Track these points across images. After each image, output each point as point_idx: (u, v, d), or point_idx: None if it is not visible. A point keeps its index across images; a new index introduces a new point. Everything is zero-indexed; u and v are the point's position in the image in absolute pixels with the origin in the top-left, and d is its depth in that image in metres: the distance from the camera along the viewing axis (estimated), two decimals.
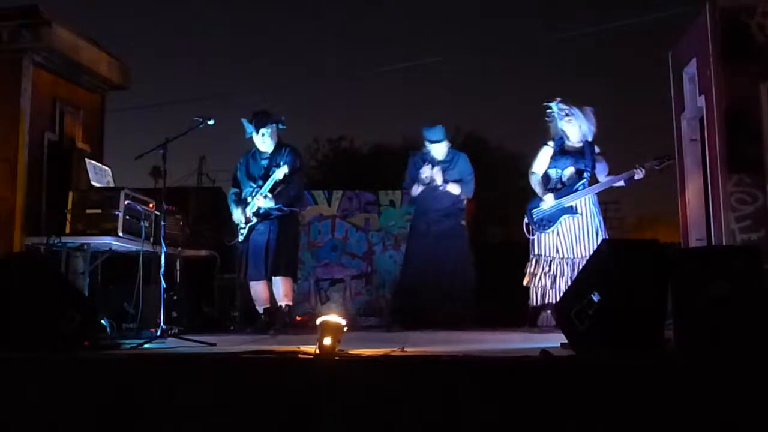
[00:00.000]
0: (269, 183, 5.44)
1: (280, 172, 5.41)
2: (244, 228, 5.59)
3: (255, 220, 5.54)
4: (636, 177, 5.29)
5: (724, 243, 4.96)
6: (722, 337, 3.04)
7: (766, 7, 5.10)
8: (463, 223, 6.10)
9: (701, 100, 5.53)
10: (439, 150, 6.04)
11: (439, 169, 5.96)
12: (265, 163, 5.61)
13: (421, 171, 5.97)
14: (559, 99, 5.44)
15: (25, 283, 3.71)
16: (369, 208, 7.65)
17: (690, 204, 5.99)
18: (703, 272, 3.18)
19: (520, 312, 5.72)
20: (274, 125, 5.60)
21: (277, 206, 5.49)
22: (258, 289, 5.65)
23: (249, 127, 5.60)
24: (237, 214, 5.65)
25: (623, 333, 3.10)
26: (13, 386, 3.06)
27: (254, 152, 5.68)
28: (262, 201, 5.48)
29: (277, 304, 5.59)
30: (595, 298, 3.20)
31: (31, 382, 3.06)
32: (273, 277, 5.53)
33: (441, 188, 5.96)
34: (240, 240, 5.64)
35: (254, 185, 5.58)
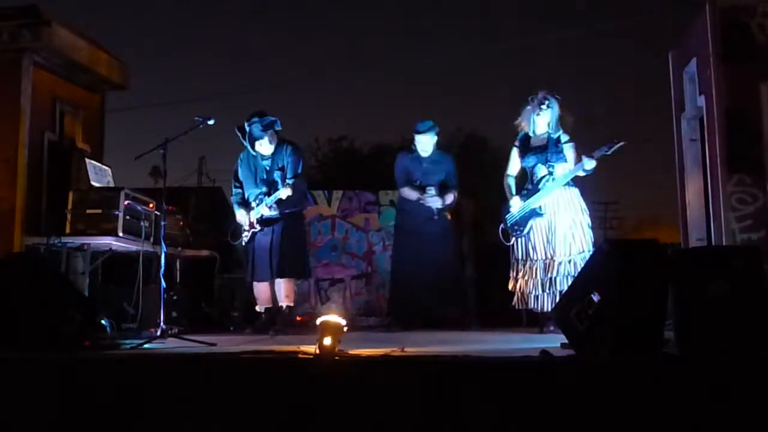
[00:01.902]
0: (274, 197, 5.37)
1: (284, 193, 5.31)
2: (248, 232, 5.57)
3: (259, 227, 5.52)
4: (587, 166, 5.03)
5: (724, 243, 4.97)
6: (722, 337, 3.04)
7: (766, 7, 5.11)
8: (449, 223, 6.07)
9: (701, 100, 5.53)
10: (425, 143, 5.95)
11: (434, 195, 5.86)
12: (267, 164, 5.56)
13: (425, 197, 5.86)
14: (543, 91, 5.29)
15: (25, 284, 3.71)
16: (369, 208, 7.63)
17: (690, 204, 5.99)
18: (703, 272, 3.18)
19: (519, 312, 5.72)
20: (270, 131, 5.49)
21: (280, 211, 5.49)
22: (261, 288, 5.64)
23: (244, 141, 5.53)
24: (241, 216, 5.63)
25: (623, 333, 3.10)
26: (13, 386, 3.05)
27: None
28: (267, 211, 5.46)
29: (278, 304, 5.59)
30: (595, 298, 3.19)
31: (31, 382, 3.06)
32: (277, 279, 5.52)
33: (437, 207, 5.87)
34: (244, 242, 5.63)
35: (258, 190, 5.55)
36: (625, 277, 3.18)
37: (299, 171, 5.54)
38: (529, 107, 5.34)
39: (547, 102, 5.25)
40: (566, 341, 3.42)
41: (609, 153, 5.01)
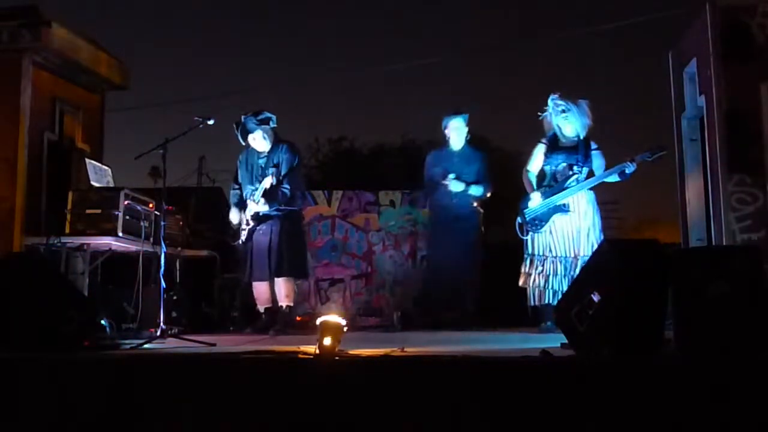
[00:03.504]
0: (259, 190, 5.41)
1: (267, 181, 5.37)
2: (245, 230, 5.58)
3: (252, 223, 5.54)
4: (627, 171, 5.18)
5: (724, 243, 4.96)
6: (722, 337, 3.04)
7: (766, 7, 5.09)
8: (477, 222, 6.09)
9: (701, 100, 5.52)
10: (455, 130, 5.98)
11: (454, 177, 5.90)
12: (262, 161, 5.60)
13: (444, 182, 5.92)
14: (557, 94, 5.39)
15: (25, 283, 3.70)
16: (369, 208, 7.62)
17: (690, 204, 5.98)
18: (703, 272, 3.18)
19: (520, 312, 5.71)
20: (265, 126, 5.56)
21: (273, 208, 5.49)
22: (261, 289, 5.64)
23: (237, 133, 5.61)
24: (234, 215, 5.65)
25: (623, 333, 3.10)
26: (13, 386, 3.05)
27: (253, 149, 5.67)
28: (255, 207, 5.47)
29: (278, 304, 5.58)
30: (595, 298, 3.19)
31: (31, 382, 3.06)
32: (276, 278, 5.52)
33: (463, 192, 5.91)
34: (242, 241, 5.63)
35: (252, 187, 5.57)
36: (625, 277, 3.18)
37: (294, 165, 5.56)
38: (549, 119, 5.41)
39: (563, 107, 5.29)
40: (566, 341, 3.42)
41: (650, 160, 5.10)
